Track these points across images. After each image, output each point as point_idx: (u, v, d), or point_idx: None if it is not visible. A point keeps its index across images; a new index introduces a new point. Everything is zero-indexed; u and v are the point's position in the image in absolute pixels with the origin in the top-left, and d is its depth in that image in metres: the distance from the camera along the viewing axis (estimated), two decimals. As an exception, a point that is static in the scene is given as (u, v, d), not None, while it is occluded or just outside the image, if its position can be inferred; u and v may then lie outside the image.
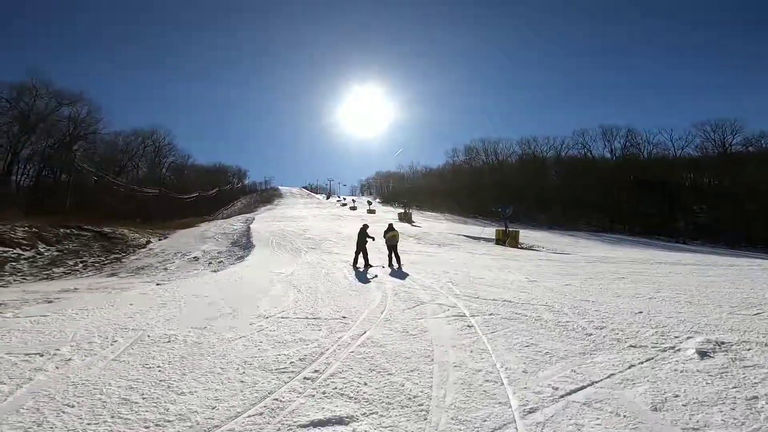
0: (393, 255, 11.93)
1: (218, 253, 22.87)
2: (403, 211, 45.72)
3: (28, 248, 23.00)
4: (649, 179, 57.37)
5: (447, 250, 19.43)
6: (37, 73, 41.62)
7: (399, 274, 10.26)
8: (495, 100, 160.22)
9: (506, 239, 23.24)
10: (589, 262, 12.73)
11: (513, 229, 26.15)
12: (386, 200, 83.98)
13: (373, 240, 12.46)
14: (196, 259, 21.47)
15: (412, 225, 35.44)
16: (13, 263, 20.24)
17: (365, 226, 12.77)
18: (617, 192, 59.15)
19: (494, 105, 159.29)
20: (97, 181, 42.13)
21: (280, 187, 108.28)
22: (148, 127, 59.95)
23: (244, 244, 24.06)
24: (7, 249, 21.84)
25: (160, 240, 28.88)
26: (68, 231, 28.97)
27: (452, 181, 73.30)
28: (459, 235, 26.91)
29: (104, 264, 21.83)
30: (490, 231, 27.40)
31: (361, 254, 12.17)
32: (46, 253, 23.07)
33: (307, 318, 5.64)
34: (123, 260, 22.82)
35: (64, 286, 10.53)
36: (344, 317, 5.60)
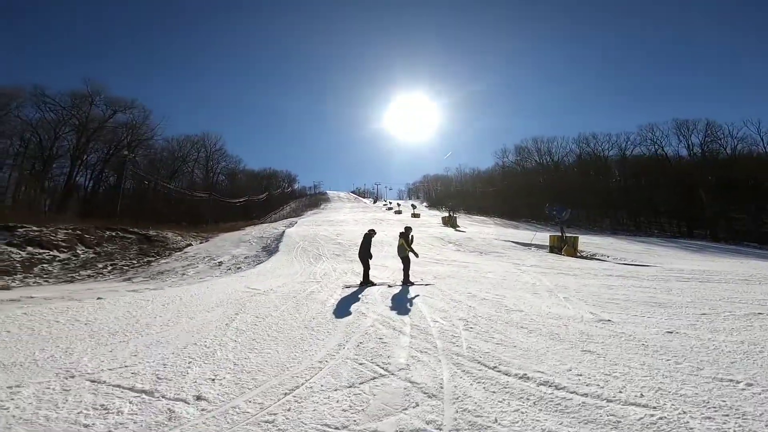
0: (404, 269, 9.84)
1: (245, 258, 21.97)
2: (447, 215, 42.89)
3: (65, 250, 23.35)
4: (735, 178, 49.59)
5: (488, 260, 16.72)
6: (92, 82, 44.35)
7: (402, 297, 7.65)
8: (545, 98, 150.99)
9: (562, 246, 19.94)
10: (683, 280, 9.43)
11: (571, 234, 22.62)
12: (433, 204, 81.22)
13: (415, 255, 10.20)
14: (220, 264, 20.71)
15: (456, 230, 32.67)
16: (45, 265, 20.45)
17: (371, 232, 10.41)
18: (696, 193, 51.81)
19: (546, 103, 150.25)
20: (148, 185, 43.70)
21: (328, 192, 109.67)
22: (199, 133, 62.34)
23: (272, 249, 23.04)
24: (44, 251, 22.26)
25: (201, 243, 28.84)
26: (113, 233, 29.61)
27: (502, 183, 68.85)
28: (506, 241, 23.86)
29: (133, 267, 21.59)
30: (543, 237, 24.04)
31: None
32: (82, 255, 23.31)
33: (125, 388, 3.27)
34: (152, 264, 22.50)
35: (48, 293, 9.50)
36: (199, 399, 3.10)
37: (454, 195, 73.63)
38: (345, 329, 5.34)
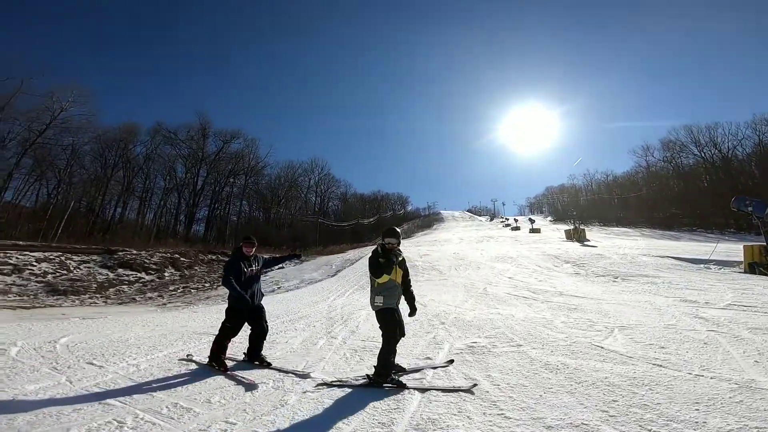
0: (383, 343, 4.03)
1: (308, 282, 19.20)
2: (572, 227, 34.55)
3: (153, 273, 23.77)
4: None
5: (626, 292, 10.24)
6: (202, 115, 48.94)
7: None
8: (691, 80, 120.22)
9: (770, 265, 11.94)
10: None
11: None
12: (559, 217, 70.09)
13: (411, 309, 4.28)
14: (279, 287, 18.34)
15: (583, 244, 25.01)
16: (124, 286, 20.64)
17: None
18: None
19: (698, 87, 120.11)
20: (257, 212, 45.72)
21: (442, 212, 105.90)
22: (307, 159, 64.30)
23: (333, 273, 19.86)
24: (131, 272, 22.94)
25: (293, 266, 27.61)
26: (213, 257, 30.74)
27: (646, 186, 55.04)
28: (661, 257, 16.12)
29: (200, 290, 20.62)
30: (725, 250, 15.74)
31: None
32: (167, 278, 23.42)
33: None
34: (220, 288, 21.34)
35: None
36: None
37: (584, 205, 62.02)
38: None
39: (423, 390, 3.65)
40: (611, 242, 26.22)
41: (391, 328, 3.90)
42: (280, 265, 23.38)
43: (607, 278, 12.52)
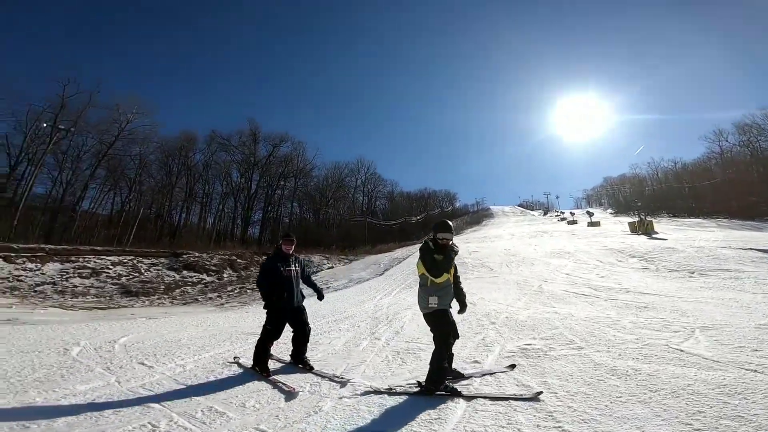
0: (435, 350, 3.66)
1: (357, 282, 19.31)
2: (637, 219, 31.95)
3: (213, 274, 25.12)
4: None
5: (709, 287, 9.13)
6: (252, 121, 51.00)
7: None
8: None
9: None
10: None
11: None
12: (620, 209, 65.41)
13: (461, 307, 3.94)
14: (328, 287, 18.60)
15: (651, 237, 22.98)
16: (188, 287, 21.89)
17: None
18: None
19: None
20: (307, 213, 46.99)
21: (491, 207, 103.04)
22: (353, 159, 64.78)
23: (381, 272, 19.76)
24: (195, 274, 24.31)
25: (342, 265, 28.15)
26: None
27: (721, 173, 49.54)
28: (744, 249, 14.32)
29: (255, 290, 21.35)
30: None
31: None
32: (225, 279, 24.72)
33: None
34: (273, 288, 22.08)
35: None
36: None
37: (649, 196, 57.24)
38: None
39: (480, 398, 3.30)
40: (684, 234, 23.85)
41: (445, 330, 3.59)
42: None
43: (681, 273, 11.30)
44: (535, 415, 2.90)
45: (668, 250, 15.70)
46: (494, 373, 3.98)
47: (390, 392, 3.53)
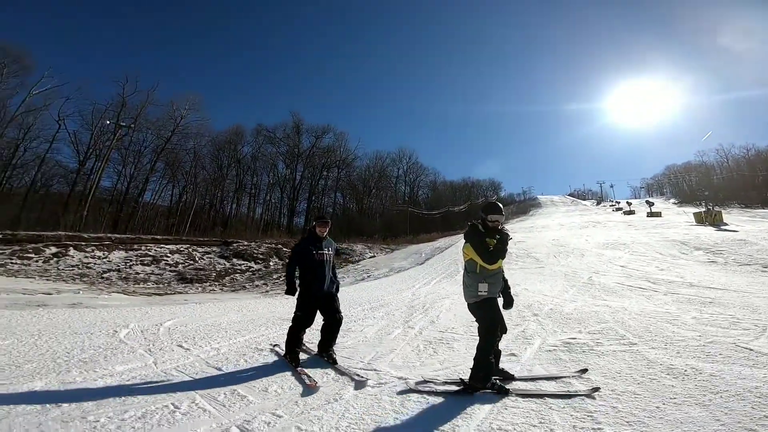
0: (479, 343, 3.37)
1: (398, 271, 19.30)
2: (704, 210, 29.27)
3: (261, 262, 26.19)
4: None
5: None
6: (295, 114, 52.19)
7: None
8: None
9: None
10: None
11: None
12: (685, 200, 60.36)
13: (507, 302, 3.57)
14: (369, 276, 18.75)
15: (719, 229, 20.94)
16: (237, 275, 22.87)
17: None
18: None
19: None
20: (350, 202, 47.67)
21: (539, 197, 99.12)
22: (395, 149, 64.59)
23: (422, 261, 19.58)
24: (244, 262, 25.41)
25: (384, 255, 28.36)
26: (311, 247, 33.01)
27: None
28: (837, 242, 12.63)
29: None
30: None
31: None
32: (272, 267, 25.65)
33: None
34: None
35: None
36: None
37: (718, 185, 52.37)
38: None
39: (528, 396, 3.01)
40: (757, 226, 21.47)
41: (494, 320, 3.30)
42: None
43: (753, 267, 10.17)
44: (572, 415, 2.64)
45: (739, 242, 14.20)
46: (561, 377, 3.46)
47: (433, 391, 3.18)
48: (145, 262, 21.16)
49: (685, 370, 3.41)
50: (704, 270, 10.27)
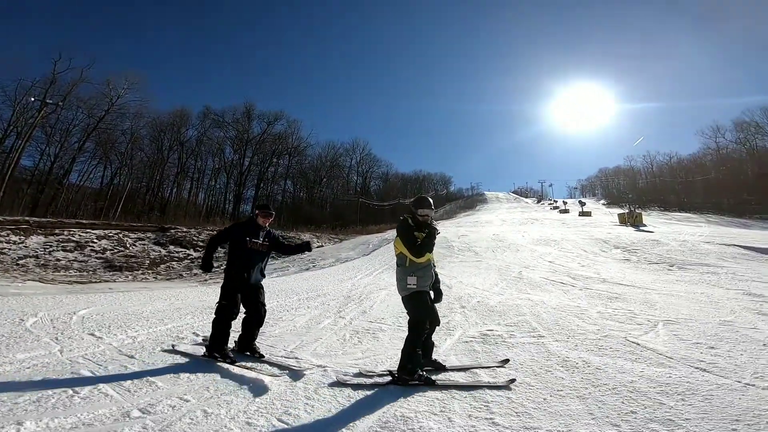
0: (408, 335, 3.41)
1: (344, 261, 19.36)
2: (627, 211, 32.10)
3: (200, 250, 25.10)
4: None
5: (684, 281, 9.19)
6: (248, 99, 50.36)
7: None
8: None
9: None
10: None
11: None
12: (614, 201, 65.68)
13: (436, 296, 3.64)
14: (314, 265, 18.63)
15: (638, 229, 23.11)
16: (174, 263, 21.74)
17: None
18: None
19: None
20: (300, 191, 46.77)
21: (485, 193, 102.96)
22: (349, 139, 64.08)
23: (368, 252, 19.83)
24: (181, 250, 24.21)
25: (332, 245, 28.10)
26: (258, 236, 32.13)
27: (715, 170, 49.76)
28: (727, 245, 14.40)
29: (241, 269, 21.57)
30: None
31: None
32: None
33: None
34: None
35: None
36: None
37: (642, 189, 57.48)
38: None
39: (453, 388, 3.11)
40: (671, 228, 23.97)
41: (422, 313, 3.33)
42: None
43: (661, 266, 11.35)
44: (471, 404, 2.80)
45: (652, 242, 15.78)
46: (489, 367, 3.66)
47: (363, 385, 3.17)
48: (68, 248, 19.46)
49: (577, 363, 3.68)
50: (618, 267, 11.32)
